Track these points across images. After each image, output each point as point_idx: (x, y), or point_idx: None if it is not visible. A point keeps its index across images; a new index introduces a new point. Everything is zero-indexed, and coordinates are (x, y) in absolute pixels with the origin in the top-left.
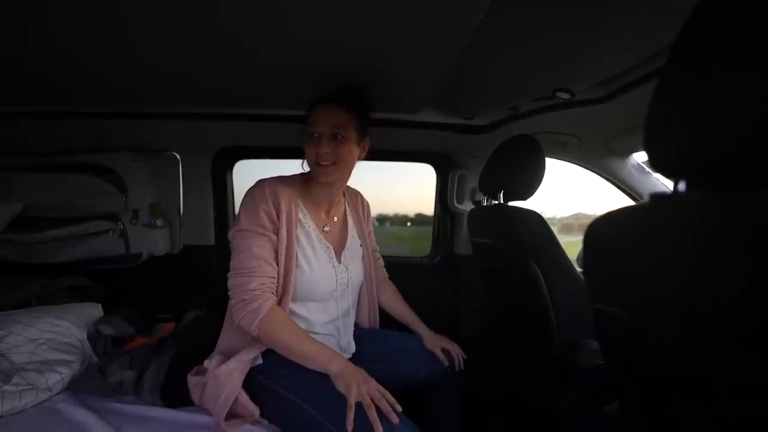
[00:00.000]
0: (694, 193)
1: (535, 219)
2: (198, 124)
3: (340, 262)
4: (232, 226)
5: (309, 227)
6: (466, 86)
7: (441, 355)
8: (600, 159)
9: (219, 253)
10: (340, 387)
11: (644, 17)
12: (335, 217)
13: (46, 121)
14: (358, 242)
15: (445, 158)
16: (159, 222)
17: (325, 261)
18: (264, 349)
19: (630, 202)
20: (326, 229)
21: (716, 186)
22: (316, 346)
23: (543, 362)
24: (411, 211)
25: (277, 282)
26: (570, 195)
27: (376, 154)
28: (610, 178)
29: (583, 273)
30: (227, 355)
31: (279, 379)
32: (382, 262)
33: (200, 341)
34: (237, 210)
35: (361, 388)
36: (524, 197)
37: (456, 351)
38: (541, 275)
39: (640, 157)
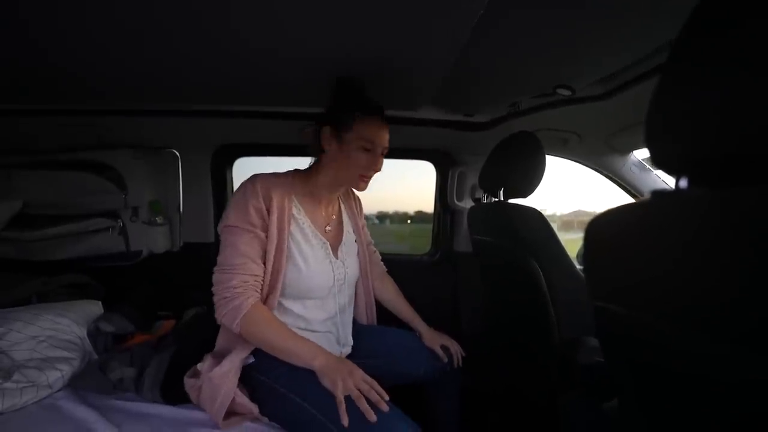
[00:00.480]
0: (696, 190)
1: (535, 216)
2: (197, 122)
3: (337, 258)
4: (221, 221)
5: (304, 224)
6: (466, 83)
7: (440, 352)
8: (600, 156)
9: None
10: (326, 383)
11: (645, 14)
12: (333, 215)
13: (45, 118)
14: (354, 237)
15: (445, 155)
16: (159, 219)
17: (322, 257)
18: (254, 347)
19: (630, 200)
20: (328, 228)
21: (718, 183)
22: (300, 343)
23: (542, 359)
24: (411, 208)
25: (264, 280)
26: (570, 192)
27: None
28: (611, 175)
29: (584, 270)
30: (221, 356)
31: (278, 378)
32: (378, 256)
33: (200, 338)
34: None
35: (347, 381)
36: (524, 194)
37: (455, 348)
38: (540, 272)
39: (641, 154)
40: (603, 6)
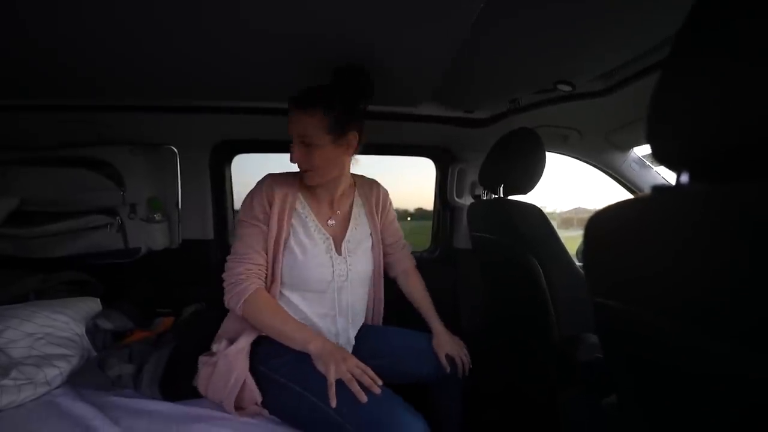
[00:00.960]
0: (696, 185)
1: (534, 213)
2: (196, 118)
3: (339, 254)
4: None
5: (306, 217)
6: (466, 79)
7: (444, 361)
8: (600, 153)
9: (218, 247)
10: (320, 366)
11: (645, 9)
12: (339, 210)
13: (43, 114)
14: (366, 233)
15: (444, 152)
16: (157, 216)
17: (322, 251)
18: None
19: (630, 197)
20: (330, 222)
21: (719, 178)
22: (296, 326)
23: (542, 356)
24: (411, 205)
25: (267, 269)
26: (570, 190)
27: (376, 147)
28: (611, 172)
29: (583, 266)
30: (234, 338)
31: (280, 369)
32: (408, 250)
33: (199, 335)
34: (237, 204)
35: (339, 366)
36: (524, 191)
37: (462, 357)
38: (540, 269)
39: (641, 151)
40: (603, 1)
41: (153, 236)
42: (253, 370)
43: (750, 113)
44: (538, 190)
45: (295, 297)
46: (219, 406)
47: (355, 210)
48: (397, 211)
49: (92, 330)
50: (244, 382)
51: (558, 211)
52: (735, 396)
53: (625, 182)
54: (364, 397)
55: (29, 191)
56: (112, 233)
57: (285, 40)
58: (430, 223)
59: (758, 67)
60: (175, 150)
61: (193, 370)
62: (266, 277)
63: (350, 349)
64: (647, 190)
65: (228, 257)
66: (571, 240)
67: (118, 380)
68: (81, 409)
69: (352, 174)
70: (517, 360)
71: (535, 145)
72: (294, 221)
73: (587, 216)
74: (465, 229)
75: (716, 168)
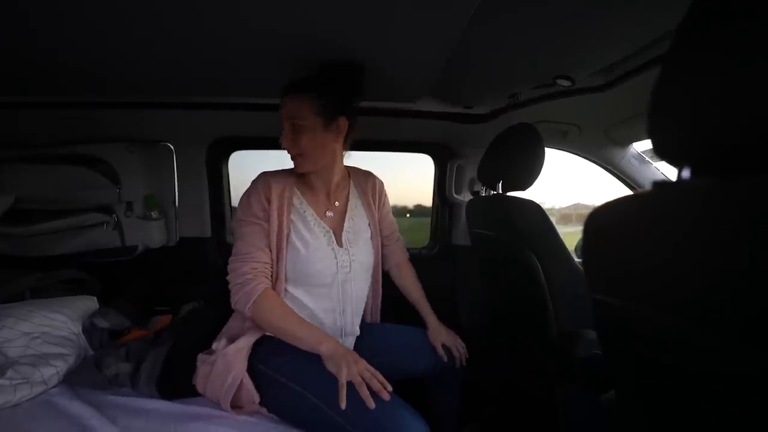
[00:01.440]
0: (697, 181)
1: (533, 209)
2: (191, 114)
3: (341, 246)
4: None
5: (305, 212)
6: (465, 73)
7: (440, 351)
8: (600, 148)
9: (216, 245)
10: (331, 367)
11: (646, 1)
12: (336, 202)
13: (38, 111)
14: (364, 224)
15: (443, 148)
16: (154, 214)
17: (324, 244)
18: (264, 332)
19: (629, 193)
20: (328, 214)
21: (720, 172)
22: (307, 327)
23: (541, 352)
24: (410, 202)
25: (272, 267)
26: (568, 186)
27: (374, 144)
28: (610, 168)
29: (583, 263)
30: (235, 337)
31: (279, 368)
32: (402, 243)
33: (197, 333)
34: (234, 202)
35: (351, 368)
36: (523, 187)
37: (458, 348)
38: (539, 265)
39: (640, 146)
40: None
41: (150, 234)
42: (253, 368)
43: (751, 109)
44: (536, 185)
45: (299, 293)
46: (217, 405)
47: (351, 201)
48: (395, 207)
49: (89, 329)
50: (242, 381)
51: (557, 207)
52: (734, 394)
53: (624, 178)
54: (372, 404)
55: (25, 189)
56: (109, 231)
57: (282, 36)
58: (428, 220)
59: (759, 60)
60: (172, 147)
61: (191, 368)
62: (271, 275)
63: (353, 340)
64: (646, 186)
65: (230, 258)
66: (570, 236)
67: (115, 379)
68: (78, 408)
69: (346, 166)
70: (516, 356)
71: (535, 140)
72: (293, 216)
73: (586, 212)
74: (464, 225)
75: (718, 163)
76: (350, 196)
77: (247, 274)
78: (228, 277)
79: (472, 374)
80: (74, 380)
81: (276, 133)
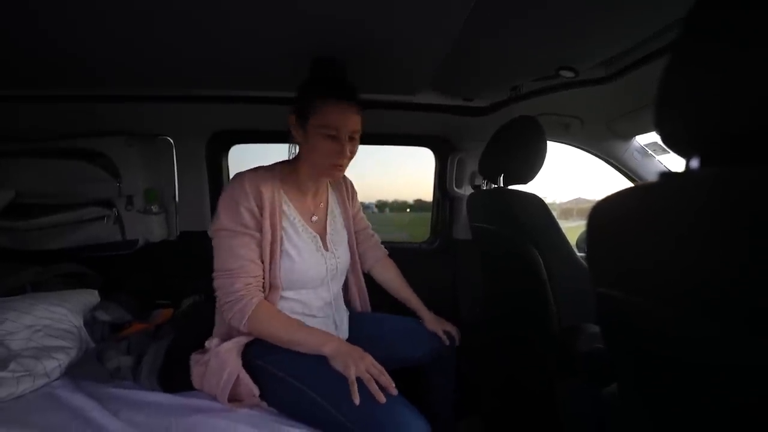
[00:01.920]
0: (704, 171)
1: (535, 203)
2: (191, 108)
3: (327, 249)
4: (211, 224)
5: (294, 218)
6: (466, 65)
7: (443, 336)
8: (602, 141)
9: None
10: (338, 366)
11: None
12: (320, 204)
13: (37, 104)
14: (342, 225)
15: (444, 142)
16: (154, 208)
17: (314, 249)
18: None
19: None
20: (314, 219)
21: (729, 163)
22: (307, 332)
23: (542, 346)
24: (410, 197)
25: (264, 277)
26: (570, 180)
27: (373, 137)
28: (612, 161)
29: (586, 257)
30: (228, 336)
31: (279, 363)
32: (377, 239)
33: (198, 327)
34: None
35: (359, 365)
36: (525, 181)
37: (454, 333)
38: (540, 259)
39: (643, 139)
40: None
41: (150, 228)
42: (250, 364)
43: (760, 97)
44: (537, 180)
45: (292, 294)
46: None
47: (331, 203)
48: (396, 202)
49: (90, 322)
50: (238, 377)
51: (558, 201)
52: (735, 386)
53: (626, 171)
54: (382, 398)
55: (25, 183)
56: (109, 225)
57: (282, 28)
58: (429, 215)
59: (764, 53)
60: (171, 141)
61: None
62: (263, 285)
63: (346, 334)
64: (649, 180)
65: (216, 273)
66: (571, 230)
67: (116, 372)
68: (80, 400)
69: None
70: (517, 350)
71: (536, 133)
72: (284, 223)
73: (587, 206)
74: (464, 219)
75: (726, 153)
76: (329, 198)
77: (239, 291)
78: (216, 294)
79: (473, 368)
80: (76, 373)
81: (275, 126)
